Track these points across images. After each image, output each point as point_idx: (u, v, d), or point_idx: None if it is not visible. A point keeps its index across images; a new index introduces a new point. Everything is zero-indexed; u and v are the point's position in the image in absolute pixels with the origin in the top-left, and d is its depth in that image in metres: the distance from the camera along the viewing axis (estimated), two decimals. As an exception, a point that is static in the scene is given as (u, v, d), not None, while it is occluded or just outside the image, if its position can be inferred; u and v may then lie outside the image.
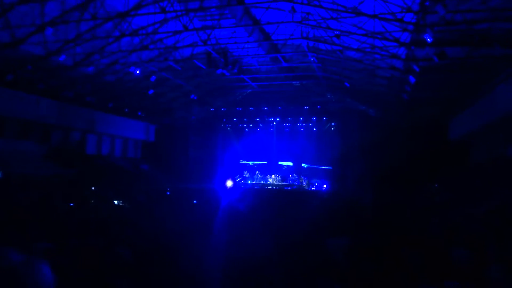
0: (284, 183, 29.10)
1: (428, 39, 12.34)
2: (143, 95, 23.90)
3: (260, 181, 29.67)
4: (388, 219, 11.06)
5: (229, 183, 27.72)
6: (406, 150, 21.85)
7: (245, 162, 32.46)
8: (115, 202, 18.11)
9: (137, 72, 19.07)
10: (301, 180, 28.72)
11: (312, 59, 20.31)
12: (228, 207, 14.36)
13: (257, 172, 30.31)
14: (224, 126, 32.42)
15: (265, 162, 32.08)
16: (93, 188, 20.25)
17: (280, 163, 31.98)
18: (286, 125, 31.53)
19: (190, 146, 30.82)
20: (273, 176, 29.38)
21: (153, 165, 28.79)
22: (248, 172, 30.56)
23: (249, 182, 29.84)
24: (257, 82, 26.03)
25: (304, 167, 31.44)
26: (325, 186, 28.10)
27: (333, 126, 29.86)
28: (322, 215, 12.21)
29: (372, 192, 20.63)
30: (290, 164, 32.03)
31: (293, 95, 28.29)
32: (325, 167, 29.92)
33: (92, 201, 17.71)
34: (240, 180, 29.97)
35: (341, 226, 9.37)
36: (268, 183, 29.04)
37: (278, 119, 30.70)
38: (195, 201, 18.49)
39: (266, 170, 30.65)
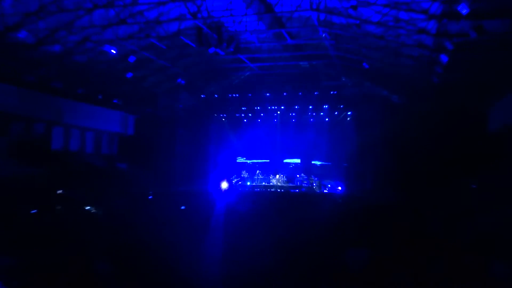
0: (291, 184, 29.10)
1: (463, 11, 12.31)
2: (120, 79, 23.84)
3: (262, 182, 29.69)
4: (416, 227, 11.09)
5: (224, 185, 27.71)
6: (437, 144, 21.80)
7: (243, 160, 32.45)
8: (87, 208, 18.10)
9: (113, 51, 19.02)
10: (311, 181, 28.74)
11: (323, 35, 20.24)
12: (223, 215, 14.37)
13: (257, 171, 30.33)
14: (217, 116, 32.36)
15: (268, 161, 32.08)
16: (60, 191, 20.23)
17: (285, 161, 31.99)
18: (292, 114, 31.51)
19: (177, 141, 30.74)
20: (277, 176, 29.39)
21: (132, 164, 28.68)
22: (247, 172, 30.58)
23: (248, 183, 29.86)
24: (258, 63, 25.97)
25: (314, 165, 31.47)
26: (339, 188, 28.11)
27: (349, 115, 29.84)
28: (337, 223, 12.22)
29: (396, 194, 20.63)
30: (298, 161, 32.05)
31: (300, 79, 28.23)
32: (339, 165, 29.93)
33: (59, 207, 17.70)
34: (237, 182, 29.98)
35: (360, 235, 9.40)
36: (271, 185, 29.05)
37: (282, 107, 30.68)
38: (183, 207, 18.48)
39: (268, 169, 30.68)
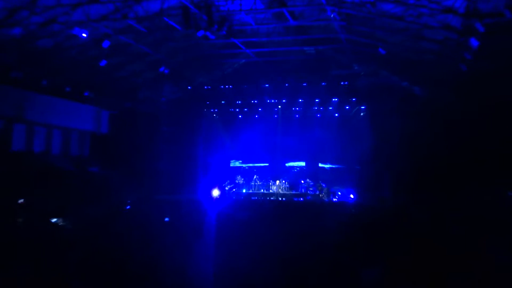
0: (294, 192, 29.06)
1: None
2: (93, 68, 23.74)
3: (260, 189, 29.64)
4: (442, 241, 11.03)
5: (216, 193, 27.68)
6: (467, 144, 21.76)
7: (237, 164, 32.42)
8: (53, 219, 18.00)
9: (84, 35, 18.92)
10: (318, 188, 28.72)
11: (332, 15, 20.20)
12: (214, 227, 14.32)
13: (255, 176, 30.28)
14: (208, 111, 32.32)
15: (266, 164, 32.04)
16: (21, 200, 20.13)
17: (288, 164, 31.96)
18: (295, 109, 31.48)
19: (160, 140, 30.72)
20: (277, 182, 29.36)
21: (107, 167, 28.60)
22: (242, 177, 30.52)
23: (244, 191, 29.83)
24: (255, 49, 25.91)
25: (322, 168, 31.44)
26: (351, 196, 28.07)
27: (362, 110, 29.83)
28: (349, 240, 12.16)
29: (419, 204, 20.58)
30: (302, 164, 32.01)
31: (305, 67, 28.21)
32: (351, 169, 29.90)
33: (21, 218, 17.61)
34: (231, 188, 29.92)
35: (376, 251, 9.35)
36: (271, 193, 29.02)
37: (284, 101, 30.67)
38: (166, 219, 18.41)
39: (268, 174, 30.63)
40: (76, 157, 28.80)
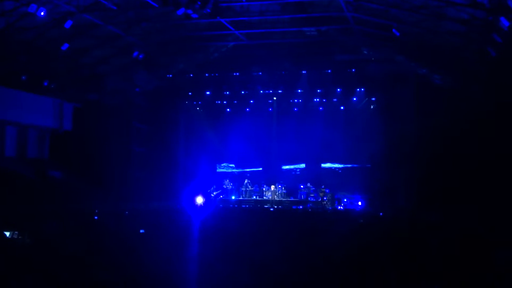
0: (292, 199, 29.06)
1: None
2: (53, 53, 23.65)
3: (252, 195, 29.65)
4: (469, 259, 10.97)
5: (199, 200, 27.64)
6: (497, 142, 21.76)
7: (224, 169, 32.38)
8: (7, 234, 17.91)
9: (42, 13, 18.78)
10: (320, 194, 28.73)
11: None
12: (196, 242, 14.25)
13: (246, 181, 30.24)
14: (189, 104, 32.27)
15: (260, 169, 31.98)
16: (-32, 210, 20.05)
17: (284, 167, 31.92)
18: (293, 101, 31.47)
19: (133, 139, 30.69)
20: (272, 187, 29.38)
21: (71, 171, 28.51)
22: (231, 182, 30.47)
23: (233, 197, 29.80)
24: (245, 30, 25.91)
25: (324, 170, 31.39)
26: (360, 203, 28.08)
27: (372, 102, 29.83)
28: (356, 253, 12.10)
29: (440, 212, 20.56)
30: (302, 166, 31.98)
31: (305, 52, 28.19)
32: (359, 172, 29.92)
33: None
34: (217, 195, 29.90)
35: (384, 272, 9.29)
36: (265, 200, 29.03)
37: (280, 91, 30.69)
38: (142, 231, 18.36)
39: (261, 178, 30.59)
40: (34, 160, 28.63)
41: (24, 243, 17.04)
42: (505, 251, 11.62)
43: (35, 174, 27.25)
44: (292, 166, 32.03)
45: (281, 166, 31.87)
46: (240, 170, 32.40)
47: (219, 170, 32.68)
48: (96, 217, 22.71)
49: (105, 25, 23.46)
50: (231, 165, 32.84)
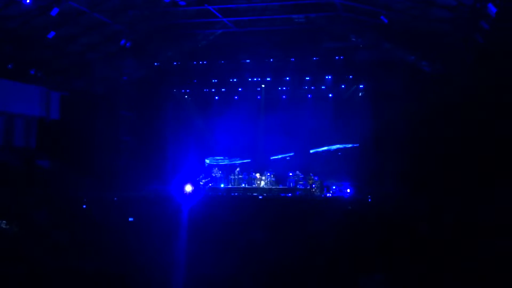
0: (281, 186, 29.10)
1: None
2: (39, 41, 23.52)
3: (241, 184, 29.70)
4: (453, 244, 11.07)
5: (188, 188, 27.64)
6: (487, 130, 21.82)
7: (213, 160, 32.35)
8: (-5, 223, 17.90)
9: (27, 1, 18.68)
10: (309, 182, 28.76)
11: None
12: (186, 229, 14.32)
13: (237, 169, 30.27)
14: (177, 92, 32.19)
15: (248, 160, 32.00)
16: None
17: (273, 158, 31.92)
18: (282, 89, 31.48)
19: (121, 127, 30.62)
20: (257, 175, 29.50)
21: (58, 160, 28.46)
22: (219, 170, 30.48)
23: (222, 185, 29.87)
24: (233, 18, 25.84)
25: (313, 157, 31.39)
26: (348, 190, 28.17)
27: (361, 89, 29.91)
28: (344, 239, 12.19)
29: (427, 199, 20.66)
30: (290, 154, 31.99)
31: (294, 39, 28.14)
32: (347, 159, 29.98)
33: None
34: (206, 183, 29.90)
35: (375, 256, 9.38)
36: (254, 188, 29.11)
37: (269, 79, 30.62)
38: (130, 219, 18.41)
39: (250, 167, 30.68)
40: (21, 149, 28.50)
41: (12, 232, 17.05)
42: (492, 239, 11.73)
43: (22, 163, 27.16)
44: (280, 156, 31.99)
45: (269, 155, 31.84)
46: (228, 162, 32.28)
47: (207, 162, 32.57)
48: (84, 206, 22.74)
49: (91, 12, 23.33)
50: (218, 157, 32.75)
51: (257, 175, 29.61)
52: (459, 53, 23.35)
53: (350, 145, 30.23)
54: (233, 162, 32.11)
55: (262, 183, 29.42)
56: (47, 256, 10.49)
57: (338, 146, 30.80)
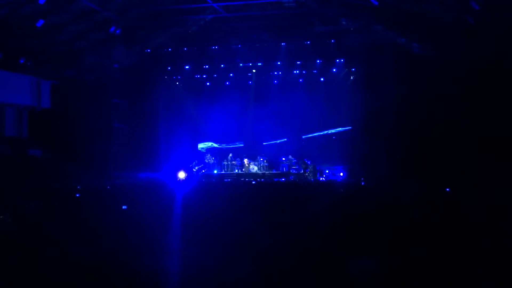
0: (274, 171, 29.15)
1: None
2: (28, 30, 23.37)
3: (234, 169, 29.77)
4: (444, 229, 11.11)
5: (181, 175, 27.67)
6: (478, 112, 21.88)
7: (206, 145, 32.35)
8: (-12, 214, 17.87)
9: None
10: (302, 166, 28.85)
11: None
12: (179, 216, 14.32)
13: (230, 155, 30.28)
14: (169, 78, 32.10)
15: (241, 145, 32.01)
16: None
17: (266, 143, 31.94)
18: (273, 74, 31.44)
19: (113, 115, 30.51)
20: (245, 162, 29.61)
21: (50, 149, 28.38)
22: (212, 156, 30.48)
23: (215, 171, 29.92)
24: (223, 3, 25.72)
25: (306, 141, 31.41)
26: (341, 174, 28.26)
27: (352, 73, 29.90)
28: (336, 223, 12.22)
29: (418, 182, 20.71)
30: (283, 139, 31.98)
31: (284, 23, 28.04)
32: (340, 143, 30.06)
33: None
34: (199, 169, 29.93)
35: (367, 240, 9.40)
36: (247, 173, 29.14)
37: (260, 64, 30.57)
38: (124, 207, 18.39)
39: (243, 152, 30.74)
40: (13, 138, 28.45)
41: (5, 222, 17.01)
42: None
43: (14, 152, 27.09)
44: (273, 142, 31.99)
45: (262, 140, 31.84)
46: (219, 145, 32.29)
47: (200, 147, 32.58)
48: (78, 194, 22.70)
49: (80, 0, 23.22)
50: (209, 143, 32.75)
51: (245, 161, 29.63)
52: (450, 34, 23.31)
53: (342, 129, 30.26)
54: (226, 146, 32.13)
55: (255, 168, 29.45)
56: (41, 245, 10.46)
57: (330, 130, 30.82)
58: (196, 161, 30.40)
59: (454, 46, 23.32)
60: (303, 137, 31.63)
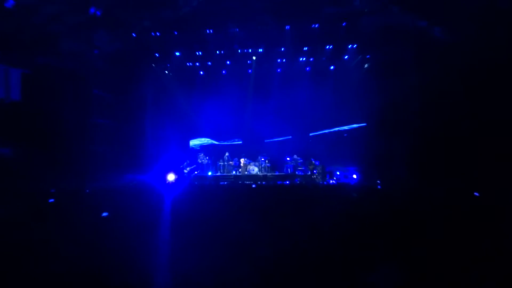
0: (277, 173, 29.10)
1: None
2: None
3: (231, 170, 29.74)
4: (473, 242, 10.96)
5: (171, 177, 27.58)
6: (508, 105, 21.74)
7: (201, 141, 32.32)
8: None
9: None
10: (310, 167, 28.79)
11: None
12: (168, 223, 14.24)
13: (226, 154, 30.24)
14: (157, 66, 32.09)
15: (240, 142, 32.01)
16: None
17: (267, 141, 31.96)
18: (276, 61, 31.47)
19: (94, 109, 30.43)
20: (242, 161, 29.45)
21: (22, 147, 28.30)
22: (206, 156, 30.43)
23: (210, 173, 29.86)
24: (219, -20, 25.66)
25: (314, 139, 31.44)
26: (354, 176, 28.14)
27: (367, 60, 29.80)
28: (349, 233, 12.11)
29: (443, 186, 20.59)
30: (288, 137, 32.00)
31: (288, 4, 27.95)
32: (353, 141, 30.00)
33: None
34: (191, 170, 29.84)
35: (384, 253, 9.27)
36: (247, 175, 29.09)
37: (260, 50, 30.49)
38: (105, 214, 18.30)
39: (241, 151, 30.67)
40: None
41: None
42: None
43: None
44: (275, 139, 32.02)
45: (263, 138, 31.87)
46: (218, 142, 32.31)
47: (195, 143, 32.57)
48: (52, 200, 22.60)
49: (56, -23, 23.16)
50: (204, 139, 32.75)
51: (242, 161, 29.57)
52: (478, 18, 23.15)
53: (355, 125, 30.16)
54: (222, 143, 32.17)
55: (256, 169, 29.39)
56: (8, 258, 10.31)
57: (342, 127, 30.76)
58: (188, 161, 30.34)
59: (483, 32, 23.15)
60: (310, 134, 31.66)
